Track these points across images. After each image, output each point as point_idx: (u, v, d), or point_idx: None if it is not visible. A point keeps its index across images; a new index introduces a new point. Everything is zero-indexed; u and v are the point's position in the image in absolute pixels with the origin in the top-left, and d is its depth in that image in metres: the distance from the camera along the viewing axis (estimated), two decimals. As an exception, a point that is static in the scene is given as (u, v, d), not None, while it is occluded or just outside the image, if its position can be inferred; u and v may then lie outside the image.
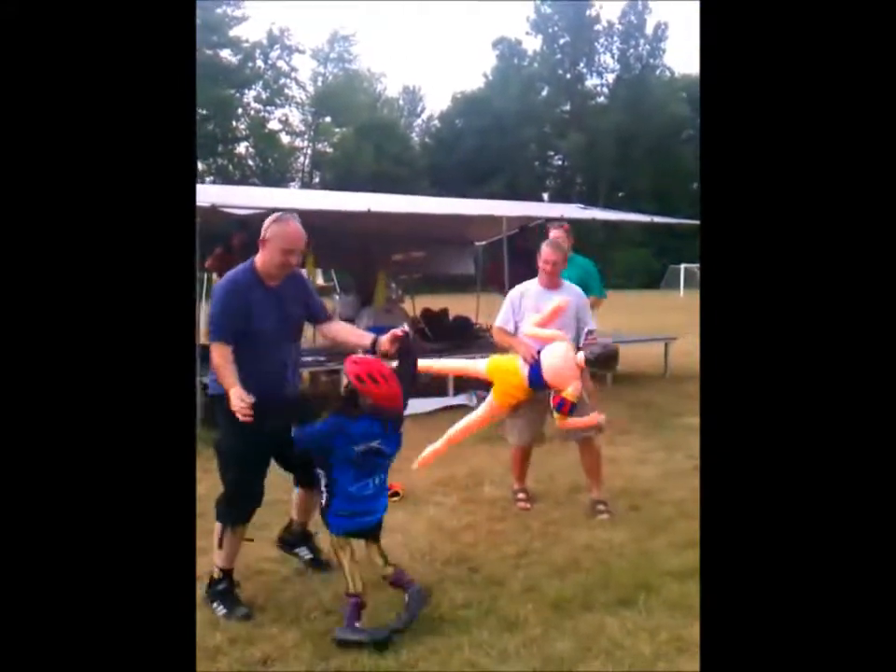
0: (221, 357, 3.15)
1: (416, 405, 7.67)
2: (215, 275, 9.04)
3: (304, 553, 3.75)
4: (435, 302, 11.28)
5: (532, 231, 10.41)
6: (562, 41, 53.81)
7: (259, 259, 3.29)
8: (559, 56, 54.04)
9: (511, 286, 9.45)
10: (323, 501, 3.16)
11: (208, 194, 8.16)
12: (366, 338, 3.49)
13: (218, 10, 42.50)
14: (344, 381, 3.20)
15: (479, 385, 8.64)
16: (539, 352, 4.29)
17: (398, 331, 3.35)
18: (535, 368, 4.24)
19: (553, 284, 4.60)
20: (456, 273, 13.06)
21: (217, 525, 3.32)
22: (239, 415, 2.93)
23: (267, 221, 3.26)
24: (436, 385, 8.32)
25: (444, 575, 3.61)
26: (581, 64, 54.00)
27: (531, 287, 4.69)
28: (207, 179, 41.38)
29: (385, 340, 3.33)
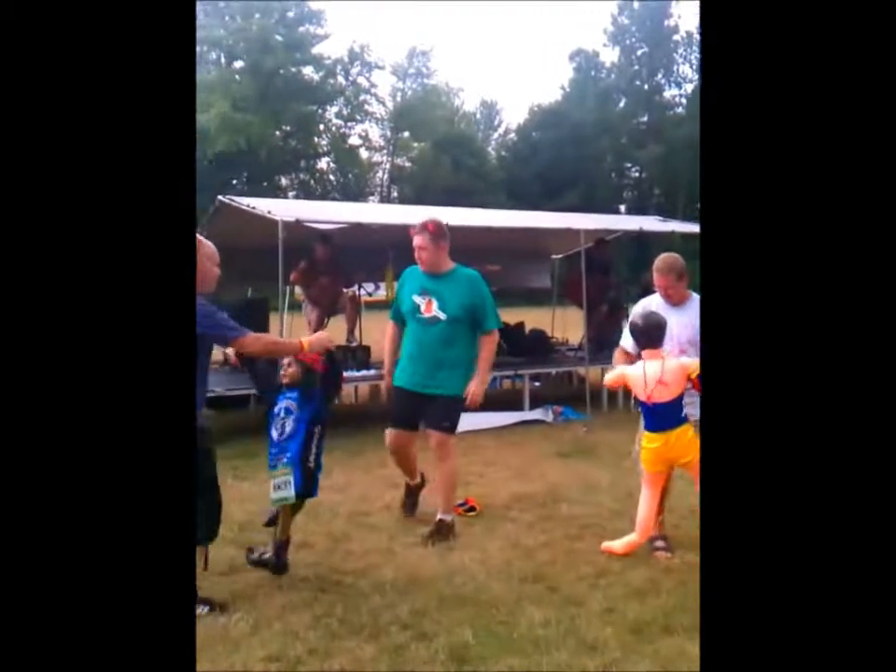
0: (260, 335, 3.67)
1: (493, 419, 7.64)
2: (298, 288, 9.25)
3: (202, 608, 3.32)
4: (511, 316, 11.25)
5: (609, 245, 10.32)
6: (640, 52, 53.15)
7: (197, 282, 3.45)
8: (637, 67, 53.37)
9: (589, 299, 9.32)
10: (312, 463, 3.64)
11: (292, 209, 8.35)
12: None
13: (301, 28, 43.48)
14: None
15: (556, 399, 8.62)
16: (647, 406, 3.99)
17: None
18: (657, 411, 3.94)
19: (675, 301, 4.21)
20: (533, 287, 13.03)
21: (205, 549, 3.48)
22: (331, 345, 3.69)
23: None
24: (512, 400, 8.28)
25: (522, 593, 3.59)
26: (660, 75, 53.20)
27: (654, 300, 4.28)
28: (290, 194, 42.37)
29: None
